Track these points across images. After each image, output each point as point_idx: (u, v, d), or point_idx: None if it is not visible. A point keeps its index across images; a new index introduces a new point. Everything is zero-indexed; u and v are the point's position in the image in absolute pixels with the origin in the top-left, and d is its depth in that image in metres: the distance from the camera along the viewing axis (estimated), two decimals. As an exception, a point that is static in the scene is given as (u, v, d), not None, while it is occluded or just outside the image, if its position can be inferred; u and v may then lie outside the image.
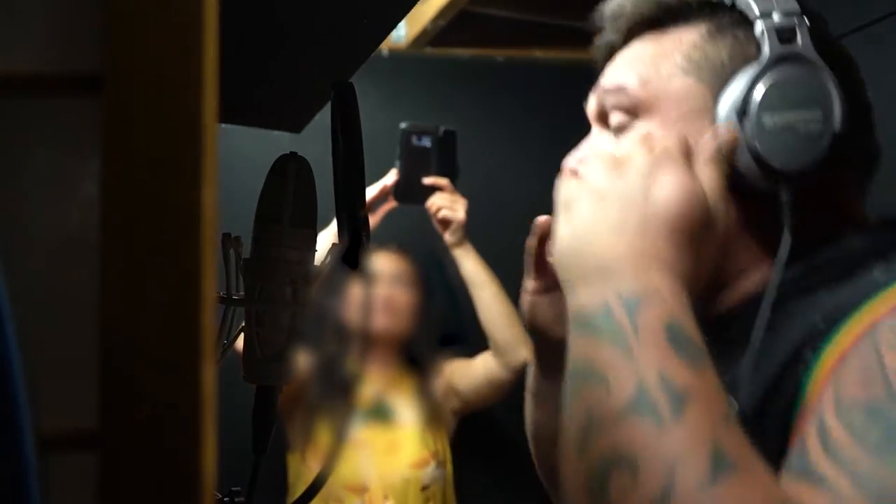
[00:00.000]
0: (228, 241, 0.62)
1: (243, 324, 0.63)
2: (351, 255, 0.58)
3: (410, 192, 1.70)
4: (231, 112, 0.75)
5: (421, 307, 1.90)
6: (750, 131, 0.60)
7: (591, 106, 0.72)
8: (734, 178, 0.62)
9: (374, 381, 1.84)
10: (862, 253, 0.60)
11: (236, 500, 0.61)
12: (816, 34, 0.64)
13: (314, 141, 0.80)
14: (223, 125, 0.70)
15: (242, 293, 0.62)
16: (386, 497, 1.72)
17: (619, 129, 0.68)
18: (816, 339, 0.55)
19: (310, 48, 0.67)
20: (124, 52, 0.33)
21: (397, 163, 1.66)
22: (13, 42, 0.33)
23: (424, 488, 1.76)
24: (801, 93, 0.61)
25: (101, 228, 0.33)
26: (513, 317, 1.76)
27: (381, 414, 1.83)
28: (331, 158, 0.63)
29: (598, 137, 0.71)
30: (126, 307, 0.33)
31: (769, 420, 0.56)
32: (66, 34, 0.34)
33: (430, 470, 1.77)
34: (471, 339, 1.92)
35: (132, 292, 0.33)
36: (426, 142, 1.69)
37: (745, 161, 0.61)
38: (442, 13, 1.85)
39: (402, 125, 1.66)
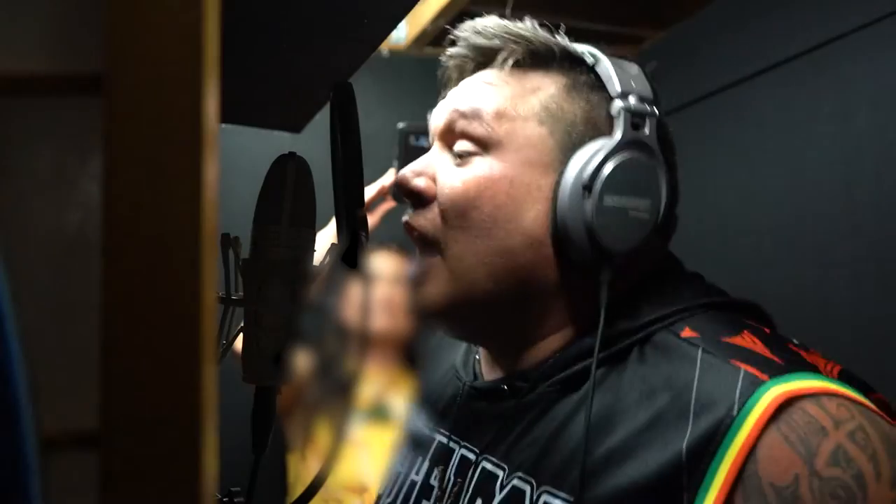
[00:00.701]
0: (228, 241, 0.61)
1: (243, 324, 0.63)
2: (350, 255, 0.58)
3: None
4: (231, 112, 0.75)
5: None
6: (590, 208, 0.62)
7: (438, 121, 0.71)
8: (563, 244, 0.64)
9: (374, 381, 1.84)
10: (646, 323, 0.64)
11: (236, 500, 0.61)
12: (658, 121, 0.67)
13: (314, 141, 0.80)
14: (223, 125, 0.70)
15: (242, 293, 0.62)
16: (386, 497, 1.72)
17: (463, 157, 0.67)
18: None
19: (310, 48, 0.67)
20: (124, 52, 0.33)
21: (395, 162, 1.66)
22: (13, 42, 0.33)
23: (424, 488, 1.76)
24: (640, 181, 0.64)
25: (101, 228, 0.33)
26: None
27: (381, 414, 1.83)
28: (330, 158, 0.63)
29: (438, 156, 0.70)
30: (126, 307, 0.33)
31: None
32: (67, 34, 0.34)
33: (429, 470, 1.77)
34: (470, 339, 1.92)
35: (132, 292, 0.33)
36: (424, 141, 1.69)
37: (578, 234, 0.63)
38: (442, 13, 1.85)
39: (400, 125, 1.66)
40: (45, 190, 0.34)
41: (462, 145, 0.68)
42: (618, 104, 0.64)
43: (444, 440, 0.75)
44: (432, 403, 0.81)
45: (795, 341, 0.64)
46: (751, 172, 1.80)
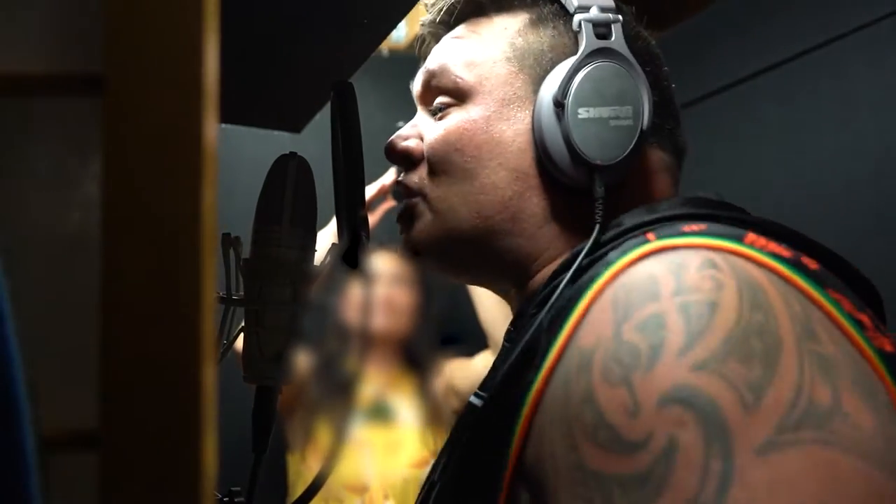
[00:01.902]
0: (228, 241, 0.61)
1: (243, 324, 0.63)
2: (351, 255, 0.58)
3: None
4: (231, 112, 0.75)
5: (421, 307, 1.90)
6: (565, 122, 0.61)
7: (416, 87, 0.72)
8: (548, 167, 0.63)
9: (374, 381, 1.84)
10: (620, 232, 0.59)
11: (236, 500, 0.61)
12: (629, 31, 0.65)
13: (314, 141, 0.80)
14: (223, 125, 0.70)
15: (242, 293, 0.62)
16: (386, 497, 1.72)
17: (441, 111, 0.68)
18: (548, 334, 0.53)
19: (310, 48, 0.67)
20: (125, 52, 0.33)
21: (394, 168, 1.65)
22: (13, 42, 0.33)
23: (424, 488, 1.76)
24: (615, 89, 0.62)
25: (101, 228, 0.33)
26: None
27: (381, 414, 1.83)
28: (331, 158, 0.63)
29: (421, 118, 0.71)
30: (126, 307, 0.33)
31: (500, 410, 0.54)
32: (67, 34, 0.34)
33: (430, 469, 1.77)
34: (471, 339, 1.92)
35: (132, 292, 0.33)
36: None
37: (558, 151, 0.61)
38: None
39: (399, 124, 1.65)
40: (45, 190, 0.34)
41: (438, 101, 0.68)
42: (577, 17, 0.63)
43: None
44: None
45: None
46: (750, 172, 1.80)
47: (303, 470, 1.76)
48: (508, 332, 0.69)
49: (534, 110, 0.64)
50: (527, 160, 0.64)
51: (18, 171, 0.33)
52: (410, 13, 0.68)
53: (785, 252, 0.52)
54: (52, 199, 0.34)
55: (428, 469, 1.96)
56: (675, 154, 0.69)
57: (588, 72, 0.61)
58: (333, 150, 0.63)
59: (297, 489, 1.77)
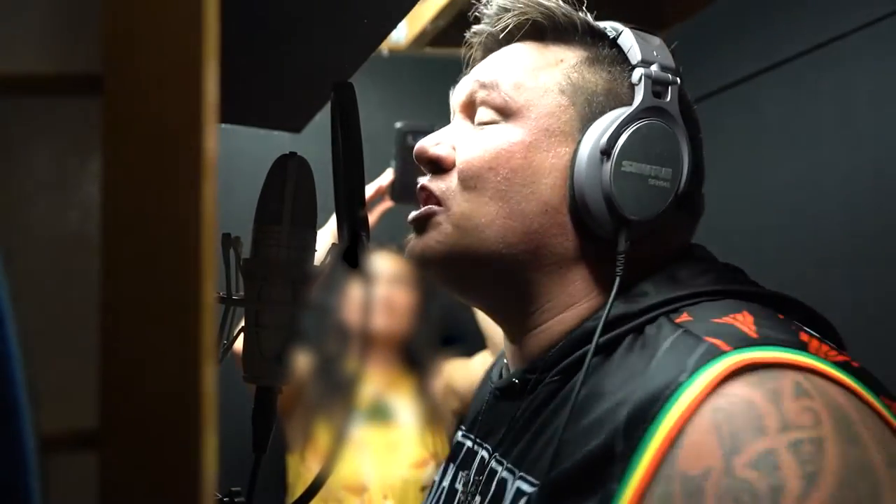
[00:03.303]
0: (228, 241, 0.61)
1: (243, 324, 0.63)
2: (351, 255, 0.58)
3: (407, 192, 1.69)
4: (231, 112, 0.75)
5: (421, 307, 1.90)
6: (608, 173, 0.61)
7: (460, 95, 0.71)
8: (579, 209, 0.63)
9: (374, 381, 1.84)
10: (648, 307, 0.61)
11: (236, 500, 0.61)
12: (680, 92, 0.66)
13: (314, 141, 0.80)
14: (223, 125, 0.70)
15: (242, 293, 0.62)
16: (385, 497, 1.72)
17: (483, 126, 0.67)
18: (628, 441, 0.52)
19: (310, 48, 0.67)
20: (124, 52, 0.33)
21: (393, 162, 1.65)
22: (13, 42, 0.33)
23: (424, 488, 1.76)
24: (660, 149, 0.63)
25: (101, 228, 0.33)
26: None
27: (380, 414, 1.83)
28: (330, 158, 0.63)
29: (459, 126, 0.70)
30: (126, 307, 0.33)
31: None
32: (67, 34, 0.34)
33: (429, 470, 1.77)
34: (471, 339, 1.92)
35: (132, 292, 0.33)
36: None
37: (595, 200, 0.62)
38: (442, 13, 1.85)
39: (398, 125, 1.65)
40: (45, 190, 0.34)
41: (482, 115, 0.68)
42: (639, 71, 0.63)
43: (471, 444, 0.74)
44: (472, 413, 0.80)
45: (813, 332, 0.58)
46: (750, 172, 1.80)
47: (303, 470, 1.76)
48: (509, 383, 0.68)
49: (576, 150, 0.64)
50: (558, 196, 0.64)
51: (18, 171, 0.33)
52: (410, 13, 0.68)
53: (839, 356, 0.55)
54: (52, 199, 0.34)
55: (427, 469, 1.98)
56: (694, 216, 0.70)
57: (639, 127, 0.62)
58: (333, 150, 0.63)
59: (297, 489, 1.77)
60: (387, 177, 1.68)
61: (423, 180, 0.70)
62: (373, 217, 1.73)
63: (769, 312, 0.59)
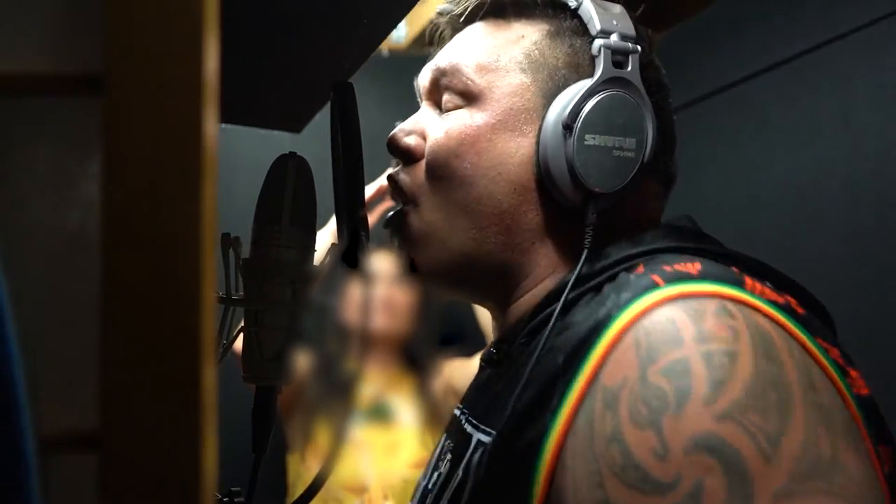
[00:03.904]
0: (228, 241, 0.61)
1: (243, 324, 0.63)
2: (350, 255, 0.58)
3: None
4: (231, 112, 0.75)
5: (421, 307, 1.90)
6: (571, 146, 0.61)
7: (424, 81, 0.72)
8: (547, 185, 0.63)
9: (374, 381, 1.84)
10: (609, 265, 0.61)
11: (236, 500, 0.61)
12: (645, 59, 0.66)
13: (314, 141, 0.80)
14: (223, 125, 0.70)
15: (242, 293, 0.62)
16: (385, 497, 1.72)
17: (448, 110, 0.68)
18: (565, 373, 0.54)
19: (310, 48, 0.67)
20: (124, 52, 0.33)
21: (393, 162, 1.65)
22: (13, 42, 0.33)
23: (424, 488, 1.76)
24: (623, 119, 0.63)
25: (101, 228, 0.33)
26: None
27: (380, 414, 1.83)
28: (330, 158, 0.63)
29: (427, 113, 0.71)
30: (126, 307, 0.33)
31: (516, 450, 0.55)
32: (67, 34, 0.34)
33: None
34: (471, 339, 1.92)
35: (132, 292, 0.33)
36: None
37: (559, 172, 0.62)
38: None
39: (398, 124, 1.65)
40: (45, 190, 0.34)
41: (446, 101, 0.68)
42: (598, 43, 0.63)
43: (458, 412, 0.75)
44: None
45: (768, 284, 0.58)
46: (750, 172, 1.80)
47: (303, 470, 1.76)
48: (490, 354, 0.69)
49: (540, 126, 0.64)
50: (526, 174, 0.64)
51: (18, 170, 0.33)
52: (410, 13, 0.68)
53: (778, 298, 0.55)
54: (52, 199, 0.34)
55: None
56: (666, 183, 0.70)
57: (600, 99, 0.62)
58: (333, 150, 0.63)
59: (297, 489, 1.77)
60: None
61: (393, 171, 0.71)
62: (373, 217, 1.73)
63: (723, 264, 0.59)
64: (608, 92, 0.62)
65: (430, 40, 0.77)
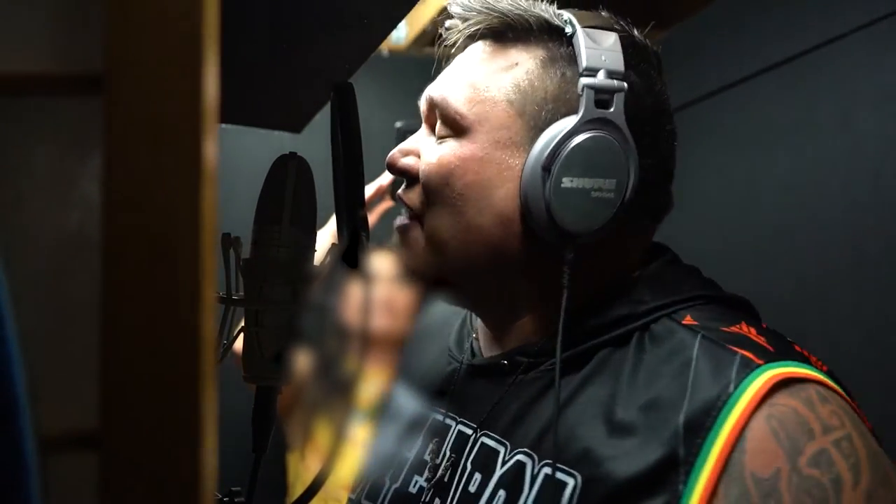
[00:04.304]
0: (228, 241, 0.61)
1: (243, 324, 0.63)
2: (350, 255, 0.58)
3: None
4: (231, 112, 0.75)
5: (421, 307, 1.90)
6: (549, 188, 0.62)
7: (422, 105, 0.74)
8: (527, 225, 0.65)
9: (374, 381, 1.84)
10: (649, 309, 0.66)
11: (236, 500, 0.61)
12: (647, 85, 0.66)
13: (314, 141, 0.80)
14: (223, 125, 0.70)
15: (242, 293, 0.62)
16: (385, 497, 1.72)
17: (441, 138, 0.70)
18: (688, 446, 0.57)
19: (310, 48, 0.67)
20: (125, 52, 0.33)
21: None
22: (14, 42, 0.33)
23: (424, 488, 1.76)
24: (603, 161, 0.63)
25: (101, 228, 0.33)
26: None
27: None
28: (330, 158, 0.63)
29: (423, 135, 0.73)
30: (126, 307, 0.33)
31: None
32: (68, 34, 0.34)
33: None
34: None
35: (132, 292, 0.33)
36: None
37: (538, 213, 0.63)
38: (442, 13, 1.85)
39: (398, 124, 1.65)
40: (45, 190, 0.34)
41: (439, 129, 0.70)
42: (582, 82, 0.63)
43: (440, 417, 0.75)
44: (426, 385, 0.82)
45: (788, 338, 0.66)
46: (750, 172, 1.80)
47: (302, 470, 1.76)
48: (499, 367, 0.71)
49: (525, 162, 0.65)
50: (511, 206, 0.66)
51: (18, 170, 0.33)
52: (410, 13, 0.68)
53: (824, 367, 0.63)
54: (52, 199, 0.34)
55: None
56: (655, 217, 0.71)
57: (580, 142, 0.63)
58: (333, 150, 0.63)
59: (297, 489, 1.77)
60: (387, 177, 1.68)
61: (399, 191, 0.73)
62: (373, 217, 1.73)
63: (756, 322, 0.66)
64: (589, 133, 0.63)
65: (434, 43, 0.78)
